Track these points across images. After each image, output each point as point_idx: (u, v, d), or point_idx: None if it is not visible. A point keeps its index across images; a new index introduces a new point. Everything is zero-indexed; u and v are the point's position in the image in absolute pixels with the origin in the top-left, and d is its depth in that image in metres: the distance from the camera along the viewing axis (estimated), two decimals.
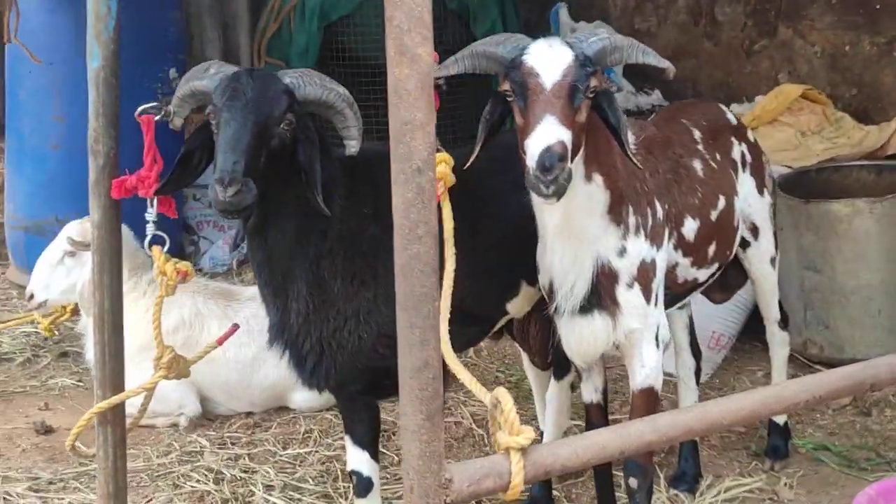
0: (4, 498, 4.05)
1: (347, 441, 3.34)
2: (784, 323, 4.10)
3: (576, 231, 2.91)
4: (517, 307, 3.44)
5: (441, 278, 2.94)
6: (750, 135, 3.85)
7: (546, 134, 2.53)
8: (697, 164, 3.42)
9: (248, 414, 4.92)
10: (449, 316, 2.59)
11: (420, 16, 1.87)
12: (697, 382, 4.13)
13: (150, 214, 2.86)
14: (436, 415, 2.02)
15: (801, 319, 5.09)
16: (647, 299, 3.06)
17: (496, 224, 3.25)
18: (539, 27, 8.08)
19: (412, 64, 1.88)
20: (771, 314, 4.04)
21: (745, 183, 3.68)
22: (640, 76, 7.81)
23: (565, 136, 2.55)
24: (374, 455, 3.33)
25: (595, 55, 2.72)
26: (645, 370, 3.11)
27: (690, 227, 3.31)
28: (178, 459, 4.44)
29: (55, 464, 4.44)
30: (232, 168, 2.64)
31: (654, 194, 3.12)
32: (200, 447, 4.56)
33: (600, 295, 3.01)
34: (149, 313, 4.76)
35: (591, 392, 3.40)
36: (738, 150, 3.70)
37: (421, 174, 1.93)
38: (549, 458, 2.16)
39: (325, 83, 2.95)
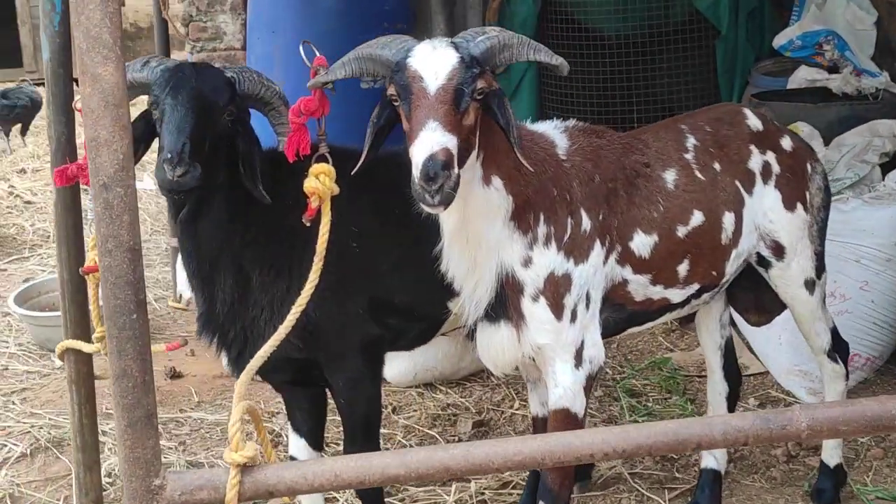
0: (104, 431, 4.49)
1: (288, 426, 3.42)
2: (838, 354, 3.60)
3: (473, 236, 2.78)
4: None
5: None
6: (786, 143, 3.39)
7: (430, 141, 2.43)
8: (670, 175, 3.09)
9: None
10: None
11: (98, 36, 1.90)
12: (731, 410, 3.73)
13: (91, 202, 3.05)
14: (139, 422, 2.08)
15: None
16: (558, 315, 2.85)
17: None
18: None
19: (94, 83, 1.92)
20: (815, 343, 3.55)
21: (763, 196, 3.27)
22: (886, 55, 7.05)
23: (450, 142, 2.45)
24: (314, 443, 3.37)
25: (482, 55, 2.58)
26: (558, 390, 2.90)
27: (643, 241, 3.02)
28: None
29: (160, 407, 4.92)
30: (181, 149, 2.72)
31: (582, 204, 2.89)
32: None
33: (505, 305, 2.86)
34: None
35: (536, 405, 3.23)
36: (758, 160, 3.28)
37: (108, 190, 1.98)
38: (272, 479, 2.15)
39: (263, 80, 3.02)
